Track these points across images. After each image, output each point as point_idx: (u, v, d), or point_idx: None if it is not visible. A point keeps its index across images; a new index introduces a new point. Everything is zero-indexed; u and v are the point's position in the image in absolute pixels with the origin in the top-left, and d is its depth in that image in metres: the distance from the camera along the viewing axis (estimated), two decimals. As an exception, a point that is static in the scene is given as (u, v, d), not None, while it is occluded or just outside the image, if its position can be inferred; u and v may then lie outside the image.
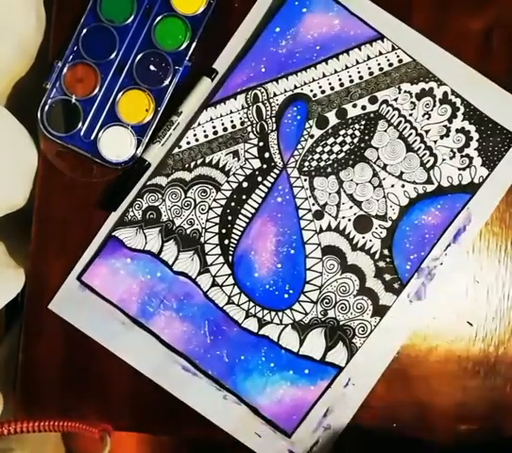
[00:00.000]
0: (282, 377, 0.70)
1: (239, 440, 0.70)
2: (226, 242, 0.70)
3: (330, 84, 0.70)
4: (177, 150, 0.70)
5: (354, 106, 0.70)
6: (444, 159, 0.70)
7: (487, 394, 0.71)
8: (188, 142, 0.70)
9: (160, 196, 0.70)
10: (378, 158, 0.70)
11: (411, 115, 0.70)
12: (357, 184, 0.70)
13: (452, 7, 0.70)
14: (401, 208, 0.70)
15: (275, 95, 0.70)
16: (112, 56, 0.68)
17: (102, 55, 0.68)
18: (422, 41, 0.69)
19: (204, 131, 0.70)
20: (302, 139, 0.70)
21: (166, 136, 0.69)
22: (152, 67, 0.69)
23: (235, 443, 0.71)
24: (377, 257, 0.70)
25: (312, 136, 0.70)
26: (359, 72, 0.70)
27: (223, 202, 0.70)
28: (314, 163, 0.70)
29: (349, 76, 0.70)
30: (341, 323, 0.70)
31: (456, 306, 0.71)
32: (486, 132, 0.70)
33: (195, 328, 0.70)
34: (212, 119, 0.70)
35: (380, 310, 0.70)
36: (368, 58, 0.69)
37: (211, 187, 0.70)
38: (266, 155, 0.70)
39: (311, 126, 0.70)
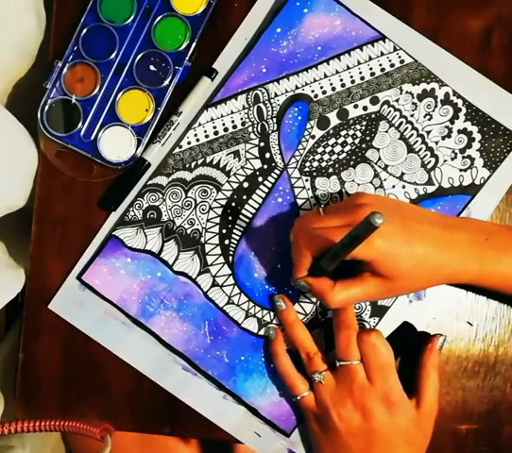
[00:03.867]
0: (282, 377, 0.70)
1: (239, 439, 0.71)
2: (226, 242, 0.70)
3: (331, 84, 0.69)
4: (177, 150, 0.70)
5: (356, 106, 0.70)
6: (445, 161, 0.70)
7: (487, 394, 0.71)
8: (189, 142, 0.70)
9: (160, 196, 0.70)
10: (379, 158, 0.70)
11: (412, 116, 0.69)
12: (358, 185, 0.70)
13: (452, 6, 0.70)
14: (401, 209, 0.70)
15: (276, 96, 0.69)
16: (112, 56, 0.68)
17: (102, 55, 0.68)
18: (424, 42, 0.69)
19: (205, 131, 0.70)
20: (303, 139, 0.70)
21: (166, 136, 0.69)
22: (152, 67, 0.68)
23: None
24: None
25: (313, 136, 0.70)
26: (360, 72, 0.69)
27: (224, 202, 0.70)
28: (315, 164, 0.70)
29: (351, 77, 0.69)
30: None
31: (456, 306, 0.71)
32: (489, 133, 0.70)
33: (195, 328, 0.70)
34: (212, 119, 0.70)
35: (379, 311, 0.70)
36: (370, 58, 0.69)
37: (211, 187, 0.70)
38: (267, 155, 0.70)
39: (312, 127, 0.70)
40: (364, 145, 0.70)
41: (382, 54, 0.69)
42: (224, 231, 0.70)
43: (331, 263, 0.60)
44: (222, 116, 0.70)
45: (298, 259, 0.64)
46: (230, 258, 0.70)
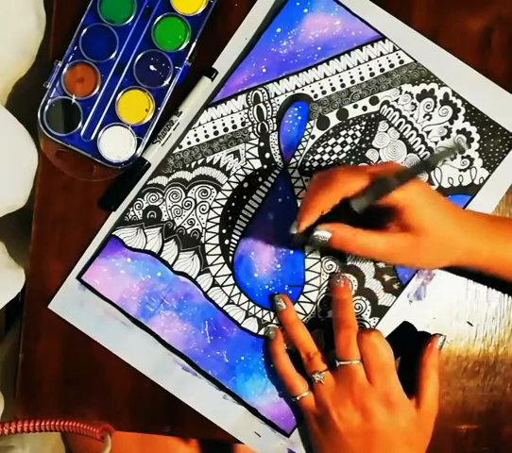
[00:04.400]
0: (282, 377, 0.70)
1: (239, 439, 0.71)
2: (226, 242, 0.70)
3: (331, 84, 0.69)
4: (177, 150, 0.70)
5: (355, 106, 0.70)
6: (445, 161, 0.70)
7: (487, 394, 0.71)
8: (189, 142, 0.70)
9: (160, 196, 0.70)
10: (379, 158, 0.70)
11: (412, 116, 0.70)
12: (358, 185, 0.70)
13: (452, 6, 0.70)
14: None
15: (276, 96, 0.69)
16: (112, 56, 0.68)
17: (102, 55, 0.68)
18: (424, 42, 0.69)
19: (205, 131, 0.70)
20: (303, 139, 0.70)
21: (166, 136, 0.69)
22: (152, 67, 0.69)
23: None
24: (377, 257, 0.70)
25: (313, 136, 0.70)
26: (360, 72, 0.69)
27: (223, 202, 0.70)
28: (315, 164, 0.70)
29: (351, 77, 0.69)
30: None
31: (456, 306, 0.71)
32: (488, 133, 0.70)
33: (195, 328, 0.70)
34: (212, 119, 0.70)
35: (379, 311, 0.70)
36: (370, 58, 0.69)
37: (211, 187, 0.70)
38: (267, 155, 0.70)
39: (312, 127, 0.70)
40: (363, 145, 0.70)
41: (381, 54, 0.69)
42: (224, 231, 0.70)
43: (368, 203, 0.58)
44: (222, 116, 0.70)
45: (320, 196, 0.59)
46: (230, 258, 0.70)
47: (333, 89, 0.70)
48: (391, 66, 0.70)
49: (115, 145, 0.69)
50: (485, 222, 0.63)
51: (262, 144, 0.70)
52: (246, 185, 0.70)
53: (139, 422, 0.71)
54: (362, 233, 0.59)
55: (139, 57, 0.68)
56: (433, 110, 0.70)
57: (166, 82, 0.69)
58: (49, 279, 0.71)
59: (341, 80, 0.70)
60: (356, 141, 0.70)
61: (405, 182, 0.56)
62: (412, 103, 0.70)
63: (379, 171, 0.59)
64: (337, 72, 0.69)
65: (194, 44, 0.68)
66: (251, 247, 0.70)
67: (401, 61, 0.69)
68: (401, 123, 0.70)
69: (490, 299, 0.71)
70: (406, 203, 0.59)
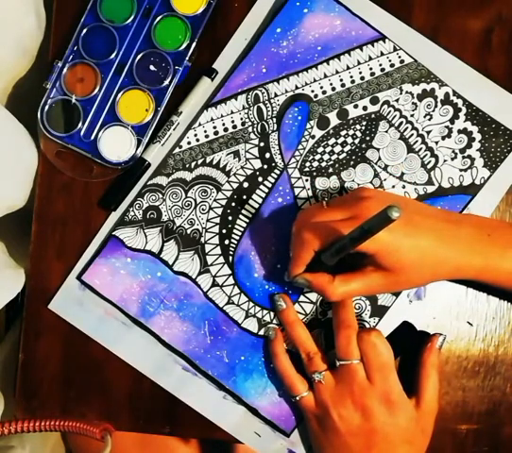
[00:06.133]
0: (282, 377, 0.70)
1: (239, 439, 0.71)
2: (226, 242, 0.70)
3: (331, 84, 0.69)
4: (177, 150, 0.70)
5: (355, 106, 0.70)
6: (445, 160, 0.69)
7: (487, 394, 0.71)
8: (189, 142, 0.70)
9: (160, 196, 0.70)
10: (379, 158, 0.70)
11: (412, 116, 0.69)
12: (358, 185, 0.70)
13: (452, 6, 0.70)
14: (401, 209, 0.70)
15: (276, 96, 0.69)
16: (112, 56, 0.68)
17: (102, 55, 0.68)
18: (424, 42, 0.69)
19: (205, 131, 0.70)
20: (303, 139, 0.70)
21: (166, 136, 0.69)
22: (152, 67, 0.68)
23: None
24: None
25: (313, 136, 0.70)
26: (360, 72, 0.69)
27: (223, 202, 0.70)
28: (315, 164, 0.70)
29: (351, 77, 0.69)
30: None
31: (456, 306, 0.71)
32: (489, 133, 0.70)
33: (195, 328, 0.70)
34: (212, 119, 0.70)
35: (379, 311, 0.70)
36: (370, 58, 0.69)
37: (211, 187, 0.70)
38: (267, 155, 0.70)
39: (312, 127, 0.70)
40: (364, 145, 0.70)
41: (382, 54, 0.69)
42: (224, 231, 0.70)
43: (334, 258, 0.59)
44: (222, 116, 0.70)
45: (298, 253, 0.63)
46: (230, 258, 0.70)
47: (334, 89, 0.69)
48: (392, 66, 0.69)
49: (115, 145, 0.69)
50: (476, 232, 0.62)
51: (262, 144, 0.70)
52: (246, 185, 0.70)
53: (139, 422, 0.71)
54: (335, 284, 0.62)
55: (139, 57, 0.68)
56: (433, 110, 0.70)
57: (166, 82, 0.68)
58: (49, 279, 0.71)
59: (341, 80, 0.69)
60: (356, 141, 0.70)
61: (362, 242, 0.55)
62: (412, 103, 0.70)
63: (343, 226, 0.59)
64: (337, 72, 0.69)
65: (194, 44, 0.68)
66: (251, 247, 0.70)
67: (402, 61, 0.69)
68: (401, 123, 0.70)
69: (490, 299, 0.71)
70: (376, 250, 0.59)
